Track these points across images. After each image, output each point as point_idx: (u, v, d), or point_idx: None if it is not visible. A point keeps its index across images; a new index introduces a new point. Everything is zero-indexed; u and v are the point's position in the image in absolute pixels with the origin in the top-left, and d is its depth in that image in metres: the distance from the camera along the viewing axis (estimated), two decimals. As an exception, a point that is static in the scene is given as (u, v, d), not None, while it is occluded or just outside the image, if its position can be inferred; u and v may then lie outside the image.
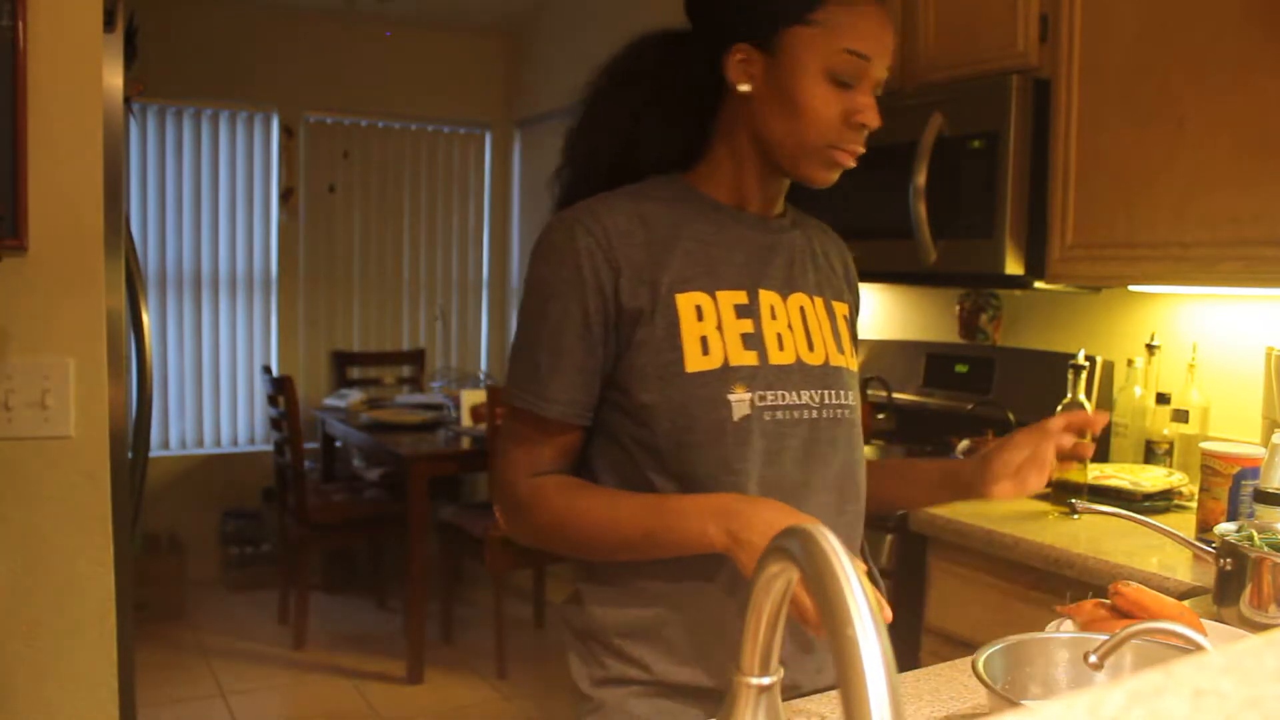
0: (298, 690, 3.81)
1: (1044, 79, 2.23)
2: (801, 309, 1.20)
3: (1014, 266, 2.25)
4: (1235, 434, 2.18)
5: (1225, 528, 1.40)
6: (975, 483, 1.24)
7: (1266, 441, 1.77)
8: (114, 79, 1.79)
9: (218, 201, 5.01)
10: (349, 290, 5.32)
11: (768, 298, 1.17)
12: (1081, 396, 2.28)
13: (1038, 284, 2.30)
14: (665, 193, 1.19)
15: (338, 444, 4.80)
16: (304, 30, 5.08)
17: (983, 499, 1.23)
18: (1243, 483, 1.74)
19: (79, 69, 1.73)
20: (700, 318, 1.12)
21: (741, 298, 1.16)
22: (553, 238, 1.15)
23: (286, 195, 5.12)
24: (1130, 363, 2.34)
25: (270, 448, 4.68)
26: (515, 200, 5.59)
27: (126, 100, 1.86)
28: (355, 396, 4.74)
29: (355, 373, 5.22)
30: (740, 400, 1.11)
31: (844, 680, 0.48)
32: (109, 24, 1.76)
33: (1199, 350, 2.26)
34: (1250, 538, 1.35)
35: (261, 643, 4.19)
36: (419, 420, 4.34)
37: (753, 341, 1.14)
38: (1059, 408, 2.35)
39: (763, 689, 0.66)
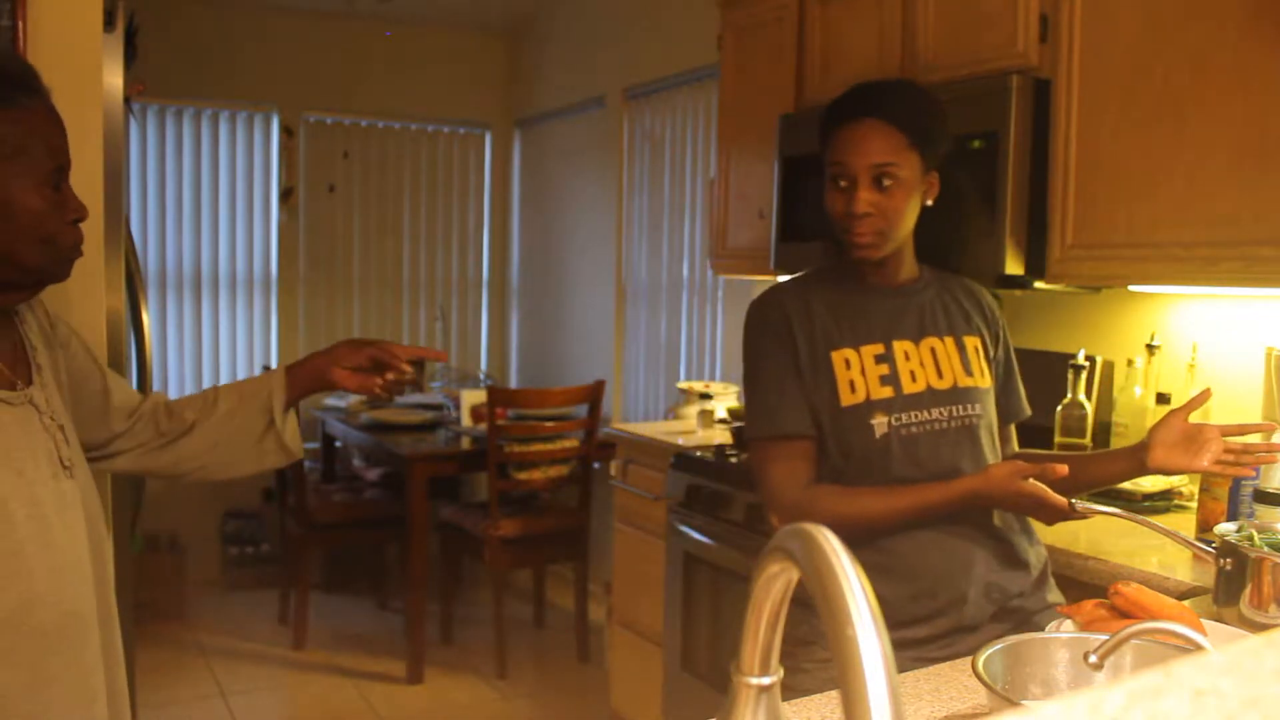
0: (298, 690, 3.81)
1: (1044, 79, 2.23)
2: (932, 349, 1.61)
3: (1014, 266, 2.25)
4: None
5: (1225, 528, 1.40)
6: (1141, 456, 1.55)
7: (1267, 441, 1.76)
8: (114, 79, 1.79)
9: (218, 201, 5.01)
10: (349, 290, 5.32)
11: (901, 346, 1.59)
12: (1081, 396, 2.29)
13: (1038, 284, 2.30)
14: (826, 279, 1.66)
15: (338, 444, 4.80)
16: (304, 30, 5.08)
17: (1151, 472, 1.55)
18: (1243, 483, 1.75)
19: (79, 69, 1.73)
20: (848, 367, 1.57)
21: (879, 349, 1.59)
22: (755, 307, 1.64)
23: (286, 195, 5.12)
24: (1130, 363, 2.34)
25: (270, 448, 4.66)
26: (515, 200, 5.58)
27: (126, 100, 1.86)
28: (355, 396, 4.74)
29: (355, 373, 5.21)
30: (879, 423, 1.55)
31: (844, 680, 0.48)
32: (109, 24, 1.77)
33: (1199, 350, 2.26)
34: (1250, 538, 1.35)
35: (261, 643, 4.19)
36: (419, 420, 4.34)
37: (889, 380, 1.57)
38: (1059, 408, 2.35)
39: (763, 689, 0.66)
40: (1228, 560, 1.34)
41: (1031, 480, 1.44)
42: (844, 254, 1.62)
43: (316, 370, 1.62)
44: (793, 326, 1.59)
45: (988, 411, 1.63)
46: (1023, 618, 1.57)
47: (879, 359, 1.58)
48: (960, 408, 1.59)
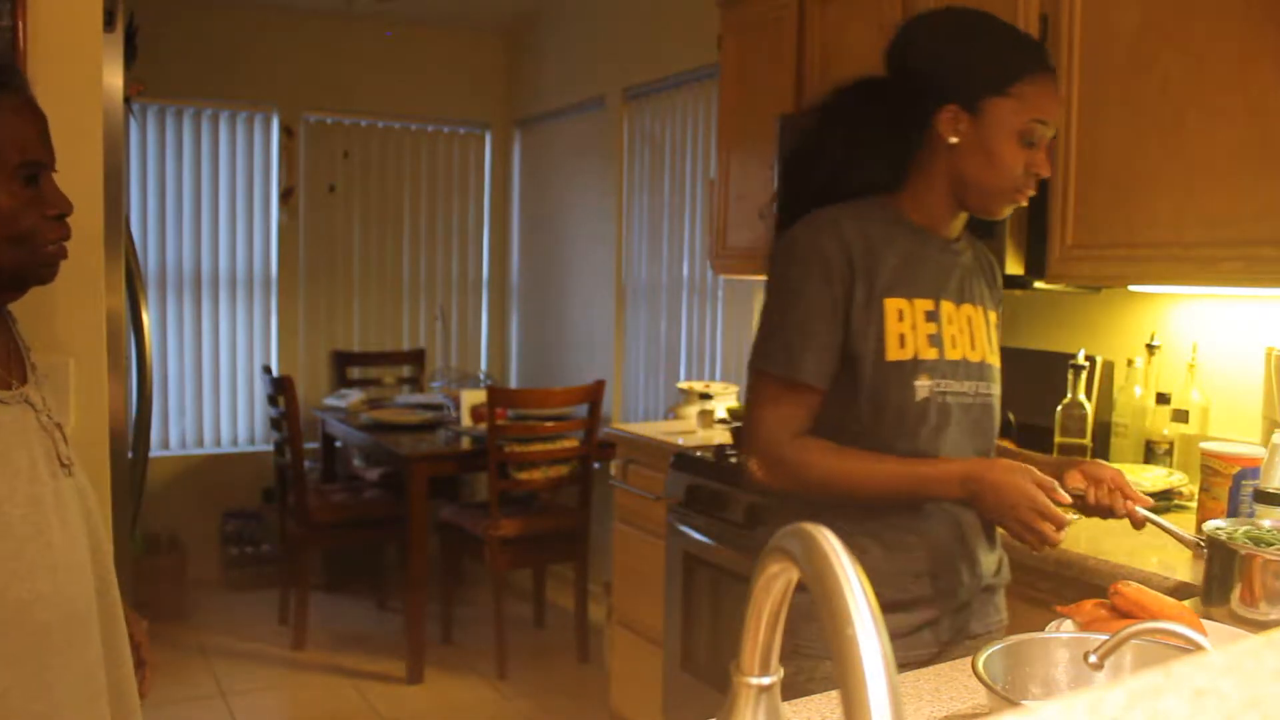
0: (298, 690, 3.81)
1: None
2: (969, 317, 1.51)
3: (1014, 266, 2.25)
4: (1235, 434, 2.18)
5: (1213, 525, 1.39)
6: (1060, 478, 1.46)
7: (1266, 441, 1.77)
8: (114, 79, 1.79)
9: (218, 201, 5.01)
10: (349, 290, 5.32)
11: (946, 306, 1.49)
12: (1081, 396, 2.29)
13: (1038, 284, 2.30)
14: (878, 214, 1.48)
15: (338, 444, 4.80)
16: (304, 30, 5.08)
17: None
18: (1243, 483, 1.75)
19: (79, 69, 1.73)
20: (900, 319, 1.44)
21: (930, 305, 1.47)
22: (802, 241, 1.45)
23: (286, 195, 5.12)
24: (1130, 363, 2.34)
25: (270, 448, 4.68)
26: (515, 200, 5.58)
27: (126, 100, 1.86)
28: (355, 396, 4.74)
29: (355, 373, 5.22)
30: (923, 385, 1.44)
31: (844, 680, 0.48)
32: (109, 24, 1.77)
33: (1199, 350, 2.26)
34: (1239, 534, 1.34)
35: (261, 643, 4.19)
36: (419, 420, 4.34)
37: (935, 341, 1.46)
38: (1059, 408, 2.35)
39: (763, 689, 0.66)
40: (1216, 558, 1.33)
41: (1040, 490, 1.34)
42: (978, 205, 1.48)
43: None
44: (853, 262, 1.42)
45: (999, 395, 1.56)
46: (987, 598, 1.54)
47: (929, 316, 1.47)
48: (984, 385, 1.52)
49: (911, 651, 1.44)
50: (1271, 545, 1.32)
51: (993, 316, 1.58)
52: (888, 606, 1.37)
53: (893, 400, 1.44)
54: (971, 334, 1.51)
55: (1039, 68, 1.44)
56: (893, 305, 1.44)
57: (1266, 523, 1.40)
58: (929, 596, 1.46)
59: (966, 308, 1.51)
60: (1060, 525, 1.34)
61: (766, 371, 1.45)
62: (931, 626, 1.47)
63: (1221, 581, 1.33)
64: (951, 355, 1.47)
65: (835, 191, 1.49)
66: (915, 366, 1.44)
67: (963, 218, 1.53)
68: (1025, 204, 1.49)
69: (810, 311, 1.43)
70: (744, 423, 1.48)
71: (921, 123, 1.46)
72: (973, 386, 1.50)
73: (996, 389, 1.55)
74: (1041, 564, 1.84)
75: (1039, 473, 1.38)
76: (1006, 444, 1.67)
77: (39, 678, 1.27)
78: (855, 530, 1.43)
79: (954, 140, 1.44)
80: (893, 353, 1.43)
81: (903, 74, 1.50)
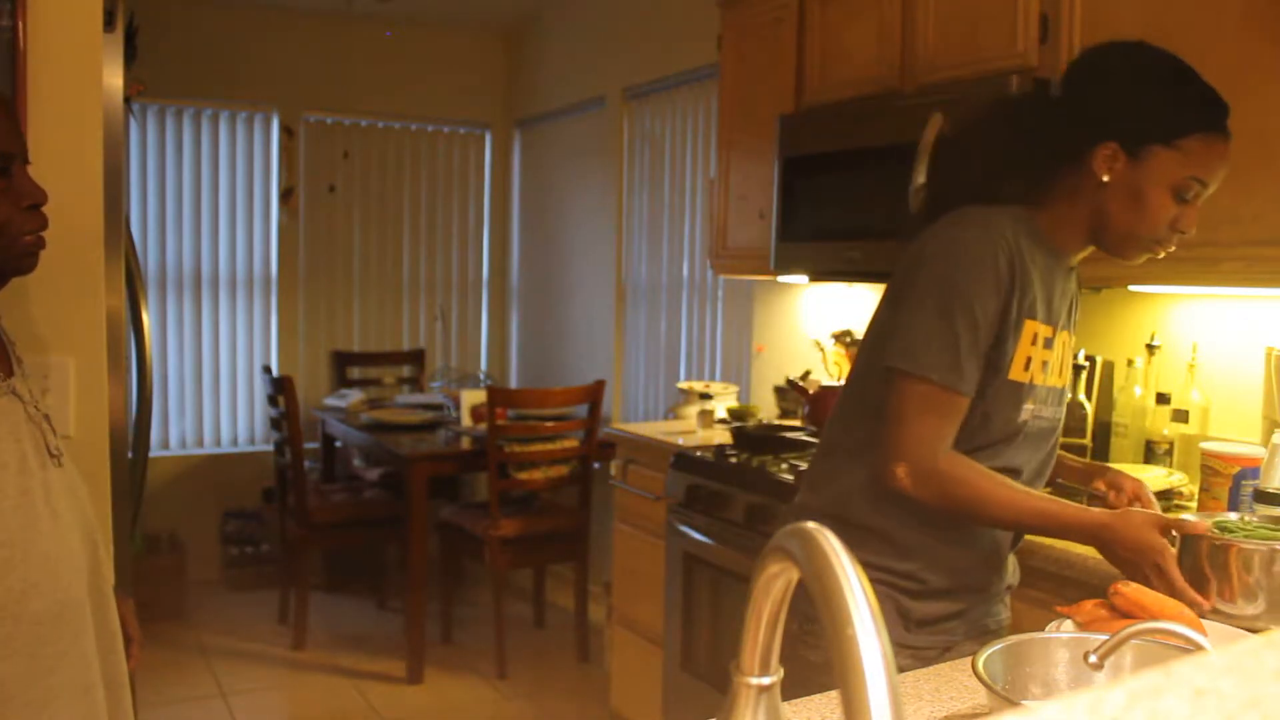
0: (298, 690, 3.81)
1: (1044, 79, 2.23)
2: (1064, 343, 1.53)
3: (1014, 266, 2.25)
4: (1235, 434, 2.18)
5: (1191, 518, 1.38)
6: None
7: (1266, 441, 1.77)
8: (114, 79, 1.79)
9: (218, 201, 5.01)
10: (349, 290, 5.32)
11: (1061, 335, 1.51)
12: (1081, 396, 2.28)
13: (1038, 284, 2.30)
14: (1025, 226, 1.46)
15: (338, 444, 4.80)
16: (304, 30, 5.08)
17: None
18: (1243, 483, 1.75)
19: (79, 69, 1.73)
20: (1034, 341, 1.45)
21: (1050, 332, 1.48)
22: (972, 246, 1.41)
23: (286, 195, 5.12)
24: (1130, 363, 2.34)
25: (270, 448, 4.68)
26: (515, 200, 5.58)
27: (126, 100, 1.86)
28: (355, 396, 4.74)
29: (355, 373, 5.22)
30: (1027, 409, 1.47)
31: (844, 680, 0.48)
32: (109, 24, 1.77)
33: (1199, 350, 2.26)
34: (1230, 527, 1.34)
35: (261, 643, 4.19)
36: (419, 420, 4.34)
37: (1046, 367, 1.48)
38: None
39: (763, 689, 0.66)
40: (1192, 551, 1.32)
41: (1168, 547, 1.33)
42: (1112, 246, 1.48)
43: None
44: (1014, 274, 1.41)
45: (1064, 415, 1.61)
46: (1004, 596, 1.62)
47: (1047, 342, 1.48)
48: (1060, 410, 1.56)
49: (937, 637, 1.51)
50: (1237, 534, 1.31)
51: (1071, 342, 1.59)
52: (933, 593, 1.50)
53: (1001, 417, 1.45)
54: (1063, 361, 1.53)
55: (1213, 128, 1.41)
56: (1030, 326, 1.44)
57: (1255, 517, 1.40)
58: (969, 588, 1.52)
59: (1065, 334, 1.53)
60: (1165, 573, 1.32)
61: (926, 379, 1.39)
62: (960, 617, 1.52)
63: (1192, 573, 1.31)
64: (1050, 382, 1.50)
65: (980, 193, 1.49)
66: (1029, 390, 1.46)
67: (1088, 251, 1.52)
68: (1161, 256, 1.48)
69: (977, 321, 1.39)
70: (889, 428, 1.43)
71: (1078, 150, 1.44)
72: (1053, 412, 1.53)
73: (1064, 413, 1.59)
74: (1042, 564, 1.84)
75: (1164, 517, 1.38)
76: (1124, 473, 1.66)
77: (33, 666, 1.27)
78: (913, 519, 1.47)
79: (1106, 178, 1.42)
80: (1016, 373, 1.44)
81: (1076, 99, 1.48)
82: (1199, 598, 1.30)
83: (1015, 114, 1.54)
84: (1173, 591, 1.30)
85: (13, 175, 1.31)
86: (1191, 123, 1.40)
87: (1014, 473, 1.49)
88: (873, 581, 1.36)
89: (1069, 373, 1.58)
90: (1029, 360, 1.44)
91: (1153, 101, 1.42)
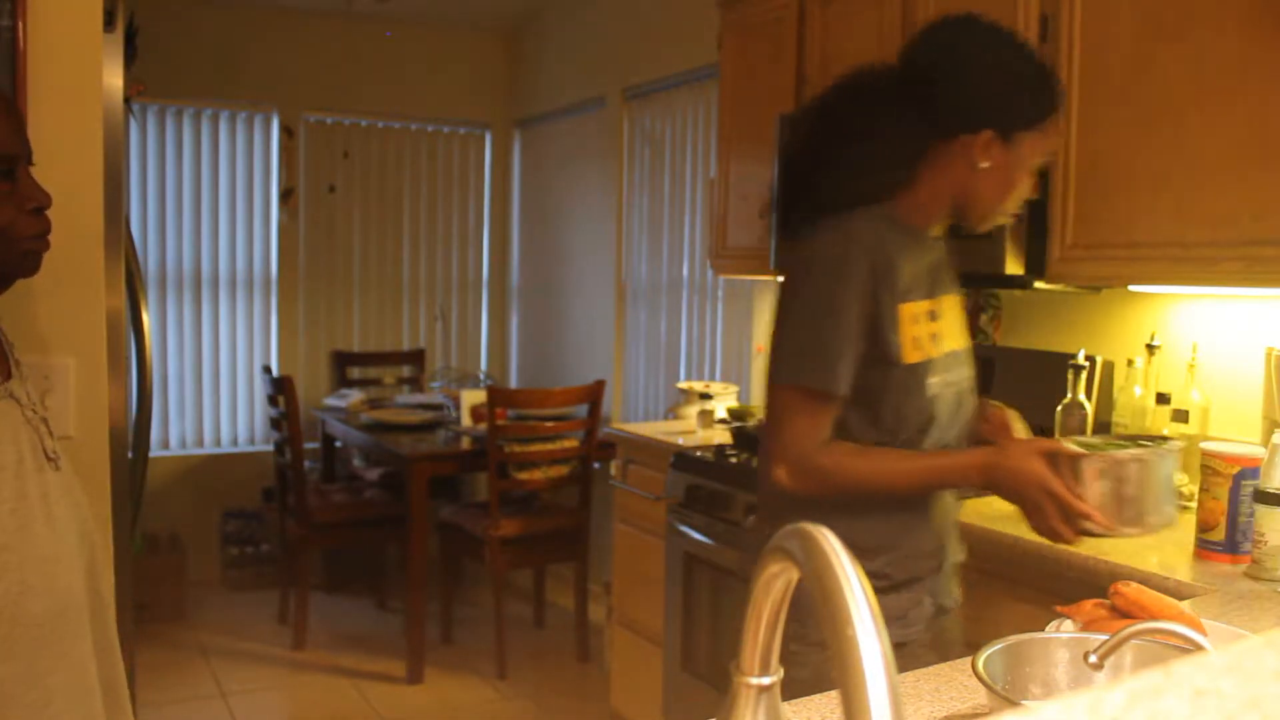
0: (298, 690, 3.81)
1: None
2: (949, 308, 1.57)
3: (1014, 266, 2.25)
4: (1235, 434, 2.18)
5: (1068, 444, 1.44)
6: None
7: (1266, 441, 1.77)
8: (114, 79, 1.79)
9: (218, 201, 5.01)
10: (349, 290, 5.32)
11: (938, 303, 1.55)
12: (1081, 396, 2.28)
13: (1038, 284, 2.30)
14: (884, 220, 1.51)
15: (338, 444, 4.80)
16: (304, 30, 5.08)
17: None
18: (1243, 483, 1.74)
19: (79, 69, 1.73)
20: (915, 323, 1.50)
21: (931, 305, 1.53)
22: (830, 254, 1.47)
23: (286, 195, 5.12)
24: (1130, 363, 2.34)
25: (270, 448, 4.67)
26: (515, 200, 5.58)
27: (126, 100, 1.86)
28: (355, 396, 4.73)
29: (355, 373, 5.22)
30: (933, 384, 1.51)
31: (844, 680, 0.48)
32: (109, 24, 1.76)
33: (1199, 350, 2.26)
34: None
35: (261, 643, 4.19)
36: (419, 420, 4.34)
37: (936, 339, 1.52)
38: (1059, 408, 2.35)
39: (763, 689, 0.66)
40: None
41: (1051, 471, 1.40)
42: (974, 219, 1.55)
43: None
44: (876, 272, 1.46)
45: (973, 375, 1.63)
46: (953, 574, 1.64)
47: (930, 315, 1.52)
48: (966, 370, 1.59)
49: (909, 630, 1.54)
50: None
51: (961, 300, 1.64)
52: (898, 586, 1.53)
53: (912, 404, 1.50)
54: (955, 324, 1.58)
55: (1059, 105, 1.53)
56: (907, 311, 1.49)
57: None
58: (930, 570, 1.56)
59: (947, 299, 1.58)
60: (1061, 499, 1.39)
61: (799, 385, 1.46)
62: (921, 604, 1.56)
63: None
64: (947, 349, 1.54)
65: (839, 196, 1.51)
66: (927, 366, 1.50)
67: (946, 222, 1.59)
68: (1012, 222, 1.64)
69: (843, 325, 1.44)
70: (768, 433, 1.49)
71: (942, 135, 1.49)
72: (959, 374, 1.57)
73: (972, 370, 1.62)
74: (1042, 564, 1.84)
75: (1046, 443, 1.46)
76: (993, 403, 1.71)
77: (32, 669, 1.27)
78: (869, 517, 1.51)
79: (985, 164, 1.48)
80: (910, 356, 1.48)
81: (947, 91, 1.49)
82: (1094, 513, 1.37)
83: (857, 111, 1.53)
84: (1068, 515, 1.39)
85: (17, 178, 1.31)
86: (1049, 106, 1.50)
87: (947, 448, 1.56)
88: None
89: (965, 332, 1.61)
90: (916, 340, 1.49)
91: (1019, 89, 1.48)
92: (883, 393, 1.48)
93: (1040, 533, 1.44)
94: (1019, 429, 1.62)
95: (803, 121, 1.62)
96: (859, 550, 1.49)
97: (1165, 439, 1.55)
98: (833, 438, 1.48)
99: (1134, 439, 1.54)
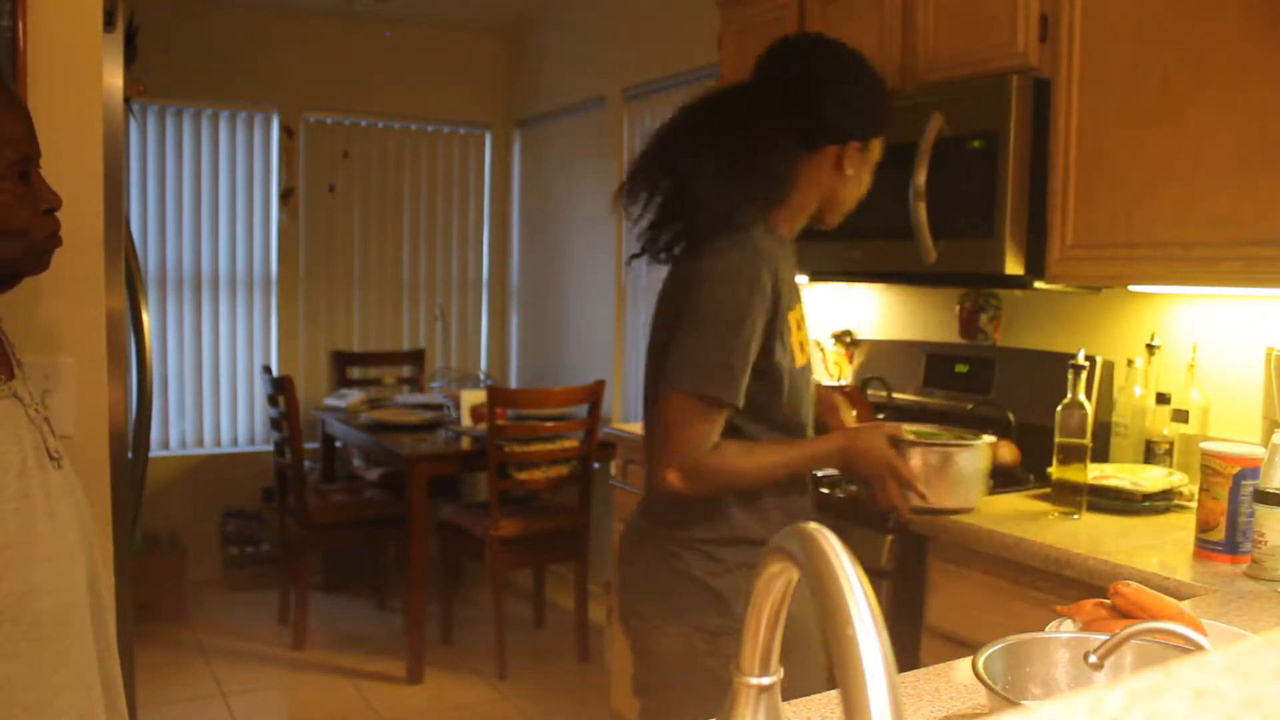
0: (298, 690, 3.81)
1: (1044, 79, 2.23)
2: (803, 312, 1.68)
3: (1014, 266, 2.25)
4: (1235, 434, 2.18)
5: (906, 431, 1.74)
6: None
7: (1266, 441, 1.77)
8: (114, 79, 1.79)
9: (218, 201, 5.01)
10: (349, 290, 5.32)
11: (801, 308, 1.66)
12: (1081, 396, 2.28)
13: (1038, 284, 2.30)
14: (770, 234, 1.62)
15: (338, 444, 4.80)
16: (304, 30, 5.08)
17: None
18: (1243, 483, 1.74)
19: (79, 69, 1.73)
20: (798, 328, 1.63)
21: (800, 310, 1.66)
22: (736, 269, 1.53)
23: (286, 195, 5.12)
24: (1130, 363, 2.34)
25: (270, 448, 4.68)
26: (515, 200, 5.58)
27: (126, 100, 1.86)
28: (355, 396, 4.74)
29: (355, 373, 5.22)
30: (812, 382, 1.68)
31: (844, 680, 0.48)
32: (109, 24, 1.77)
33: (1199, 350, 2.26)
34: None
35: (261, 643, 4.19)
36: (419, 420, 4.34)
37: (803, 345, 1.66)
38: (1059, 408, 2.35)
39: (763, 689, 0.66)
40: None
41: (894, 451, 1.65)
42: (832, 220, 1.72)
43: None
44: (776, 288, 1.56)
45: None
46: None
47: (799, 322, 1.66)
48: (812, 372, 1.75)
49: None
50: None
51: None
52: None
53: (805, 402, 1.66)
54: (806, 327, 1.72)
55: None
56: (792, 318, 1.62)
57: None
58: None
59: (800, 304, 1.70)
60: (900, 476, 1.65)
61: (699, 393, 1.52)
62: None
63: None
64: (808, 346, 1.70)
65: (725, 213, 1.58)
66: (809, 368, 1.68)
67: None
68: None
69: (746, 337, 1.52)
70: (660, 438, 1.55)
71: (811, 147, 1.63)
72: (812, 375, 1.73)
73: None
74: (1042, 564, 1.84)
75: (889, 427, 1.69)
76: (836, 395, 1.91)
77: (34, 668, 1.27)
78: (756, 501, 1.64)
79: (851, 171, 1.65)
80: (799, 360, 1.64)
81: (795, 100, 1.61)
82: (923, 491, 1.70)
83: (740, 133, 1.61)
84: (906, 484, 1.66)
85: (32, 180, 1.33)
86: (885, 111, 1.68)
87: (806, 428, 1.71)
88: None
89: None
90: (801, 344, 1.64)
91: (873, 100, 1.67)
92: (775, 395, 1.59)
93: (882, 504, 1.67)
94: (845, 410, 1.87)
95: (670, 141, 1.66)
96: (751, 541, 1.58)
97: (980, 435, 1.97)
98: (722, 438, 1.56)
99: (959, 435, 1.96)
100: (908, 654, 2.10)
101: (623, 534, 1.76)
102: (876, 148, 1.68)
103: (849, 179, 1.65)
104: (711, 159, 1.58)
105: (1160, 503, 2.09)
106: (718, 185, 1.57)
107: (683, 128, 1.65)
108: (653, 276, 4.36)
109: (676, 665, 1.59)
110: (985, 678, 0.94)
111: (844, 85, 1.64)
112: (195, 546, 4.81)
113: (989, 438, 1.98)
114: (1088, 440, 2.07)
